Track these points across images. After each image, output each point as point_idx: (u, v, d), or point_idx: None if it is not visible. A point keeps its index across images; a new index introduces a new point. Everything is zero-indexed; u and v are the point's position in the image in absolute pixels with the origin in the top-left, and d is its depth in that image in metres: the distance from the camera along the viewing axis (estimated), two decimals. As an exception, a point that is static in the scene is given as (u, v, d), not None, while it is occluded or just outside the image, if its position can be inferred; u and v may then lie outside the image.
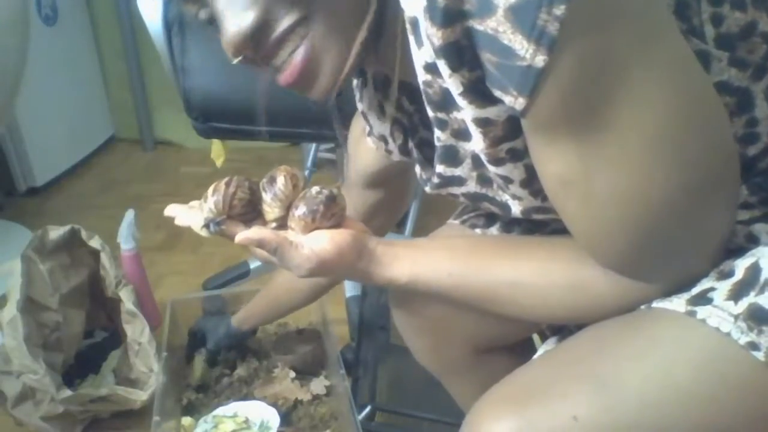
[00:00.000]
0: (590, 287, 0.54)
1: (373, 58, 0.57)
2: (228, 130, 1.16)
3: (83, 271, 1.31)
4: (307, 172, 1.89)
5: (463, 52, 0.43)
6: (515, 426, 0.49)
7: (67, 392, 1.12)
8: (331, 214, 0.59)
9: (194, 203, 0.63)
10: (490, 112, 0.47)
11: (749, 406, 0.47)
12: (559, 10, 0.38)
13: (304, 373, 1.22)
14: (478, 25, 0.41)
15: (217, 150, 1.76)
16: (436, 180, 0.62)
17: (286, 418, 1.11)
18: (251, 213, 0.61)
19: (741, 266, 0.49)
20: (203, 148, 2.00)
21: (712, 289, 0.49)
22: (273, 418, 1.07)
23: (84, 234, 1.28)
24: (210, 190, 0.60)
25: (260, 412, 1.09)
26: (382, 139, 0.73)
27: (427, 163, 0.67)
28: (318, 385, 1.19)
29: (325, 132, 1.16)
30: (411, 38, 0.49)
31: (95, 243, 1.29)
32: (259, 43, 0.52)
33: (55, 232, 1.26)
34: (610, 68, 0.41)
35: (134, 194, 2.14)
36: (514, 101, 0.43)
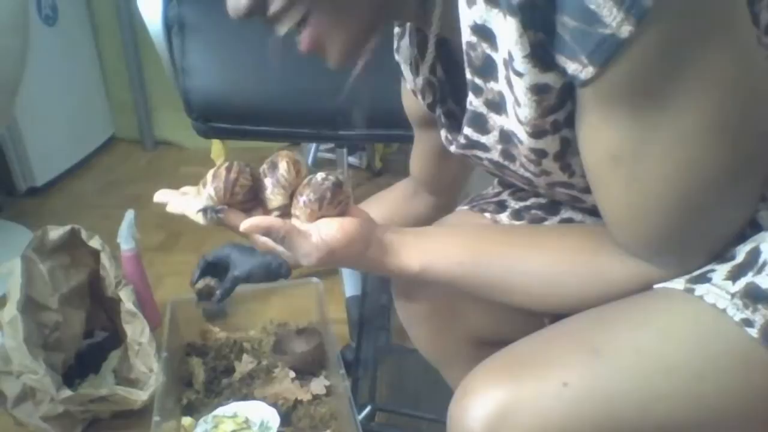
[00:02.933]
0: (602, 275, 0.54)
1: (410, 14, 0.56)
2: (228, 130, 1.16)
3: (83, 271, 1.31)
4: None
5: (535, 12, 0.42)
6: (505, 391, 0.50)
7: (67, 392, 1.12)
8: (337, 201, 0.57)
9: (187, 189, 0.61)
10: (549, 77, 0.46)
11: (741, 381, 0.47)
12: None
13: (304, 373, 1.22)
14: None
15: (217, 150, 1.76)
16: (462, 141, 0.61)
17: (286, 418, 1.11)
18: (252, 201, 0.59)
19: (742, 251, 0.50)
20: (203, 148, 2.01)
21: (712, 270, 0.50)
22: (273, 418, 1.07)
23: (84, 234, 1.28)
24: (209, 175, 0.57)
25: (260, 412, 1.09)
26: (413, 92, 0.72)
27: (453, 129, 0.67)
28: (318, 385, 1.19)
29: (325, 132, 1.17)
30: None
31: (95, 243, 1.29)
32: (260, 14, 0.52)
33: (55, 232, 1.25)
34: (688, 48, 0.41)
35: (134, 194, 2.14)
36: (580, 70, 0.42)
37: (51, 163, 2.22)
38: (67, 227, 1.27)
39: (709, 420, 0.48)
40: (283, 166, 0.57)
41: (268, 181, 0.58)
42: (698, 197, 0.46)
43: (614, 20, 0.39)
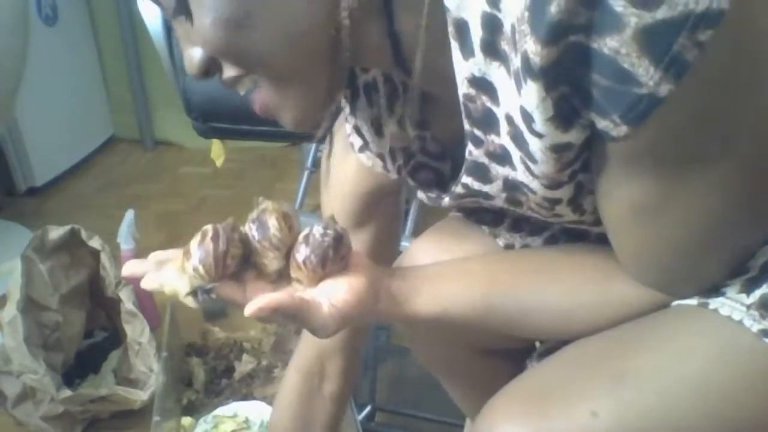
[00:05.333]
0: (616, 303, 0.53)
1: (393, 66, 0.52)
2: (228, 130, 1.16)
3: (83, 271, 1.31)
4: (306, 173, 1.88)
5: (560, 70, 0.39)
6: (534, 426, 0.48)
7: (67, 392, 1.12)
8: (340, 257, 0.52)
9: (162, 256, 0.53)
10: (571, 135, 0.43)
11: (763, 392, 0.47)
12: (704, 36, 0.34)
13: (304, 373, 1.21)
14: (593, 43, 0.37)
15: (217, 150, 1.76)
16: (460, 191, 0.57)
17: (286, 418, 1.11)
18: (242, 264, 0.52)
19: (755, 266, 0.50)
20: (203, 148, 2.00)
21: (726, 284, 0.50)
22: (273, 418, 1.07)
23: (84, 234, 1.28)
24: (193, 246, 0.49)
25: (260, 412, 1.09)
26: (380, 156, 0.66)
27: (423, 187, 0.64)
28: (318, 385, 1.19)
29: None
30: (455, 44, 0.45)
31: (95, 243, 1.29)
32: (215, 74, 0.50)
33: (55, 232, 1.26)
34: (727, 102, 0.39)
35: (134, 194, 2.14)
36: (612, 127, 0.40)
37: (51, 163, 2.22)
38: (67, 227, 1.27)
39: None
40: (273, 224, 0.51)
41: (259, 244, 0.51)
42: (721, 240, 0.46)
43: (651, 79, 0.36)
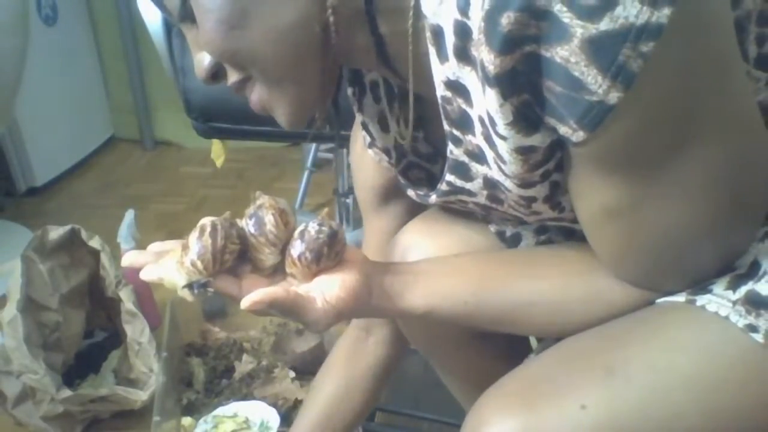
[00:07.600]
0: (605, 298, 0.54)
1: (380, 66, 0.54)
2: (228, 130, 1.16)
3: (83, 271, 1.31)
4: (306, 173, 1.89)
5: (516, 78, 0.41)
6: (523, 420, 0.49)
7: (67, 392, 1.12)
8: (335, 253, 0.53)
9: (159, 247, 0.55)
10: (535, 139, 0.45)
11: (750, 387, 0.47)
12: (646, 47, 0.36)
13: (304, 373, 1.22)
14: (544, 52, 0.39)
15: (217, 150, 1.76)
16: (445, 187, 0.60)
17: (286, 418, 1.11)
18: (239, 259, 0.53)
19: (743, 264, 0.50)
20: (203, 148, 2.00)
21: (713, 282, 0.50)
22: (273, 418, 1.07)
23: (84, 234, 1.28)
24: (192, 240, 0.50)
25: (260, 412, 1.10)
26: (386, 151, 0.69)
27: (415, 184, 0.66)
28: (318, 385, 1.19)
29: (325, 132, 1.17)
30: (432, 49, 0.47)
31: (95, 243, 1.29)
32: (223, 78, 0.54)
33: (55, 232, 1.26)
34: (683, 110, 0.40)
35: (134, 194, 2.14)
36: (570, 133, 0.41)
37: (51, 163, 2.22)
38: (67, 227, 1.27)
39: (729, 430, 0.48)
40: (270, 221, 0.52)
41: (256, 240, 0.52)
42: (695, 241, 0.47)
43: (600, 87, 0.38)
